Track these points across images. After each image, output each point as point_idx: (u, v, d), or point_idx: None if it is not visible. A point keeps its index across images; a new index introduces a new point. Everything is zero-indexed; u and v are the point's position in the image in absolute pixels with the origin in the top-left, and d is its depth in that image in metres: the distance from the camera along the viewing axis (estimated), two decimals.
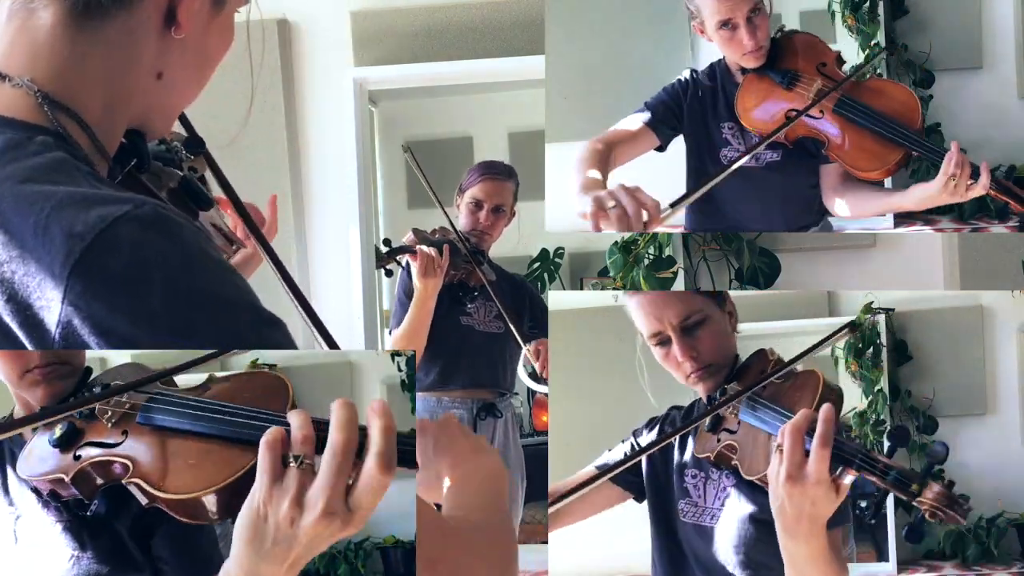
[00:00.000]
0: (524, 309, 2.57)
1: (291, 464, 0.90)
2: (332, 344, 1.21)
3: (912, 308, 2.50)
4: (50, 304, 0.76)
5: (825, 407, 1.25)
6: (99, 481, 1.20)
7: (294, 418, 0.93)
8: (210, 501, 1.06)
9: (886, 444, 1.31)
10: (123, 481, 1.13)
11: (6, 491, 1.31)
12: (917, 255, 2.53)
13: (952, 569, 2.40)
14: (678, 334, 1.60)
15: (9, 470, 1.32)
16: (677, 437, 1.70)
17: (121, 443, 1.18)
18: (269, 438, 0.90)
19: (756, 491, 1.57)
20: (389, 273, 2.41)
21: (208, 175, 1.24)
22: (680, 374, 1.64)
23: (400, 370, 2.57)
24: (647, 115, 1.95)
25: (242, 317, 0.82)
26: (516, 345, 2.65)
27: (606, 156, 1.87)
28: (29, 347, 0.78)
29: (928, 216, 2.37)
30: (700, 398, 1.72)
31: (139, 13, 0.90)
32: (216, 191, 1.22)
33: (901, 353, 2.50)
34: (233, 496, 1.03)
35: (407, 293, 2.45)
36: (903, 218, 2.35)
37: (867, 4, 2.30)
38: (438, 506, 1.08)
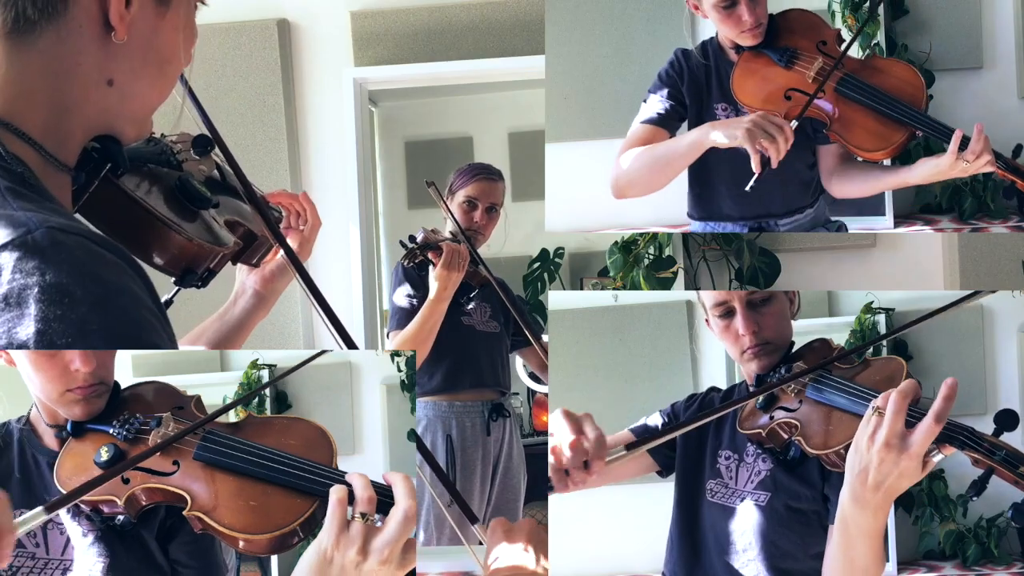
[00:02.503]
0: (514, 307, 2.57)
1: (356, 518, 1.13)
2: (350, 344, 1.23)
3: (912, 308, 2.50)
4: None
5: (950, 382, 1.21)
6: (145, 503, 1.24)
7: (357, 480, 1.16)
8: (270, 539, 1.18)
9: (992, 427, 1.28)
10: (184, 512, 1.22)
11: (32, 499, 1.31)
12: (917, 255, 2.53)
13: (952, 569, 2.40)
14: (744, 306, 1.61)
15: (35, 479, 1.32)
16: (713, 418, 1.70)
17: (173, 473, 1.24)
18: (340, 495, 1.13)
19: (794, 479, 1.58)
20: (423, 267, 2.39)
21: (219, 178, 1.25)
22: (737, 348, 1.64)
23: (400, 370, 2.57)
24: (654, 119, 1.93)
25: (112, 341, 0.82)
26: (511, 343, 2.64)
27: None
28: None
29: (928, 216, 2.37)
30: (742, 381, 1.72)
31: (70, 22, 0.89)
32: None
33: (901, 353, 2.50)
34: (288, 537, 1.19)
35: (408, 295, 2.44)
36: (903, 218, 2.35)
37: (867, 4, 2.30)
38: None
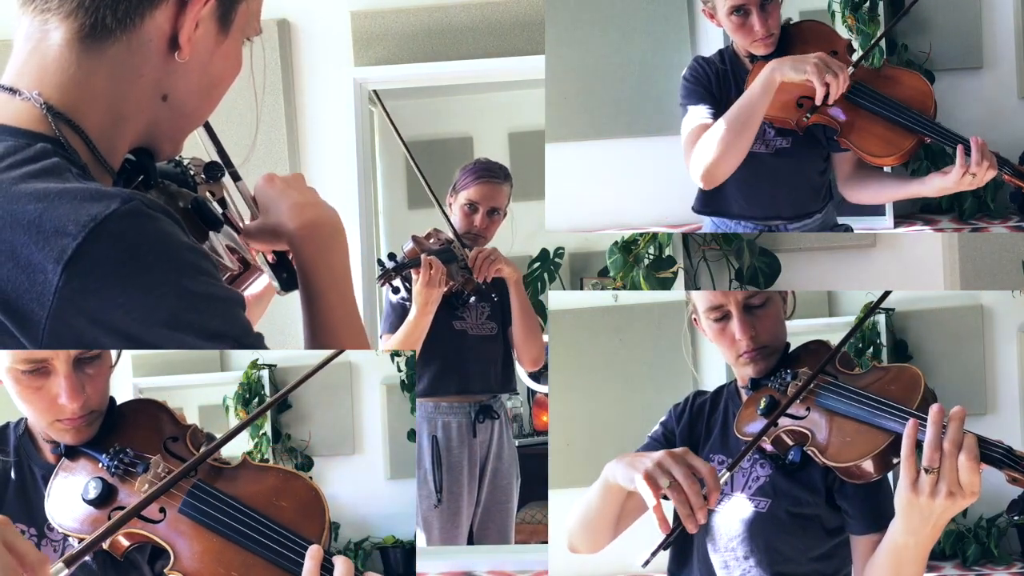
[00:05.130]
0: (508, 307, 2.56)
1: None
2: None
3: (912, 308, 2.50)
4: (40, 298, 0.80)
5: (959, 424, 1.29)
6: (128, 545, 1.23)
7: (340, 567, 1.15)
8: None
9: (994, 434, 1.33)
10: (165, 571, 1.20)
11: (28, 510, 1.31)
12: (917, 255, 2.53)
13: (952, 569, 2.40)
14: (740, 310, 1.59)
15: (31, 491, 1.32)
16: (705, 422, 1.69)
17: (159, 522, 1.23)
18: None
19: (794, 484, 1.57)
20: (396, 290, 2.39)
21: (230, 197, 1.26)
22: (732, 352, 1.62)
23: (400, 370, 2.57)
24: (707, 108, 1.94)
25: (224, 306, 0.89)
26: (509, 346, 2.64)
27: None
28: (18, 338, 0.82)
29: (928, 216, 2.37)
30: (731, 381, 1.71)
31: (142, 35, 0.94)
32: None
33: (901, 353, 2.50)
34: None
35: (400, 297, 2.44)
36: (903, 218, 2.35)
37: (867, 4, 2.30)
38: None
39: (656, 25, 2.36)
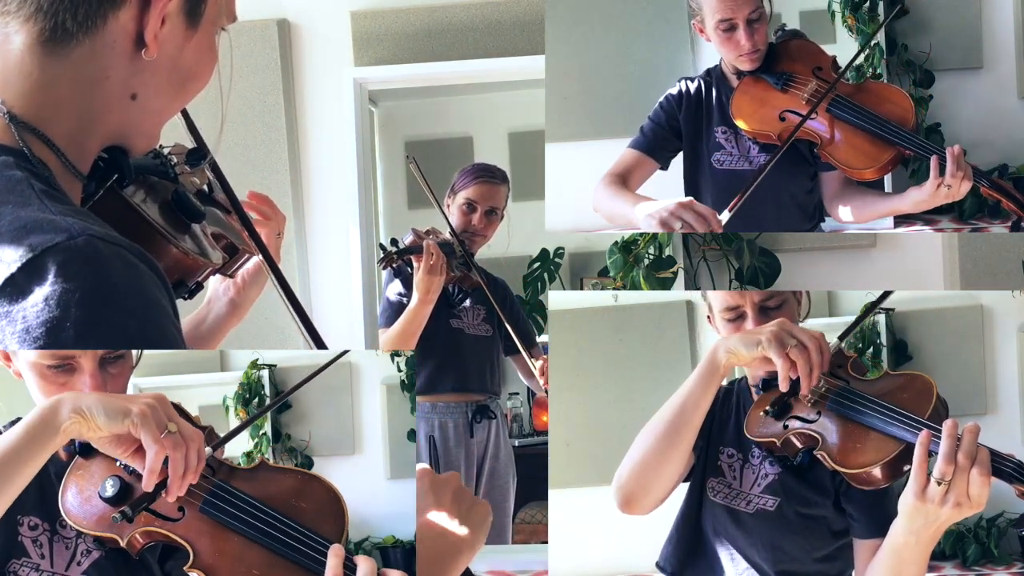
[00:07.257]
0: (506, 313, 2.57)
1: None
2: (321, 345, 1.23)
3: (912, 308, 2.50)
4: None
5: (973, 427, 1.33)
6: (144, 543, 1.23)
7: (363, 566, 1.14)
8: None
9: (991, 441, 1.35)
10: (185, 568, 1.20)
11: (43, 506, 1.30)
12: (917, 255, 2.53)
13: (952, 569, 2.40)
14: (755, 311, 1.60)
15: (47, 486, 1.31)
16: (717, 413, 1.69)
17: (179, 520, 1.22)
18: None
19: (804, 485, 1.59)
20: (398, 272, 2.40)
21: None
22: None
23: (400, 370, 2.57)
24: (643, 146, 2.00)
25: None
26: (504, 347, 2.64)
27: (624, 182, 1.99)
28: None
29: (928, 216, 2.37)
30: (742, 378, 1.72)
31: (105, 36, 0.91)
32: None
33: (901, 353, 2.50)
34: None
35: (399, 293, 2.45)
36: (903, 218, 2.35)
37: (867, 4, 2.30)
38: None
39: (656, 25, 2.36)
